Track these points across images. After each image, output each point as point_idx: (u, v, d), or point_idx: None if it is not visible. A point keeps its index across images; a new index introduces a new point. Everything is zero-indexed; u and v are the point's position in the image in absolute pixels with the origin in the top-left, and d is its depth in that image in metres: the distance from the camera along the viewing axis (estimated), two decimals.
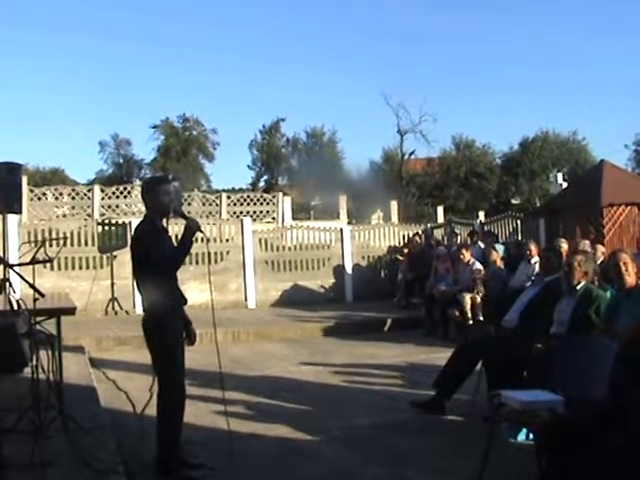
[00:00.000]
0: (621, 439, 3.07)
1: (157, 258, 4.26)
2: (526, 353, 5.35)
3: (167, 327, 4.34)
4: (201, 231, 4.50)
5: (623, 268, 5.11)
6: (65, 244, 11.46)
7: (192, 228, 4.41)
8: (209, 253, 11.37)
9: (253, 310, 13.23)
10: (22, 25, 60.51)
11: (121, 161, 41.71)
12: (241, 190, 34.34)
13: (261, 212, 23.82)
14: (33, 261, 5.54)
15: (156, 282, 4.28)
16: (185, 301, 4.50)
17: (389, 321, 11.46)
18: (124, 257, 12.37)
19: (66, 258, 12.39)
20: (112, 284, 12.25)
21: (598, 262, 8.21)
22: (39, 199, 22.14)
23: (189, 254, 4.69)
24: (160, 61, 63.29)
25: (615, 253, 5.40)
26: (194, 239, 4.49)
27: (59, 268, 12.33)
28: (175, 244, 4.52)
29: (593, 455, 3.11)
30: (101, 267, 12.57)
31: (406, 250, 14.18)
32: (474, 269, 10.53)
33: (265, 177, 41.84)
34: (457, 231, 15.28)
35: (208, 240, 5.08)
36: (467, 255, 10.80)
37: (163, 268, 4.30)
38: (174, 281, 4.46)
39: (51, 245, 9.27)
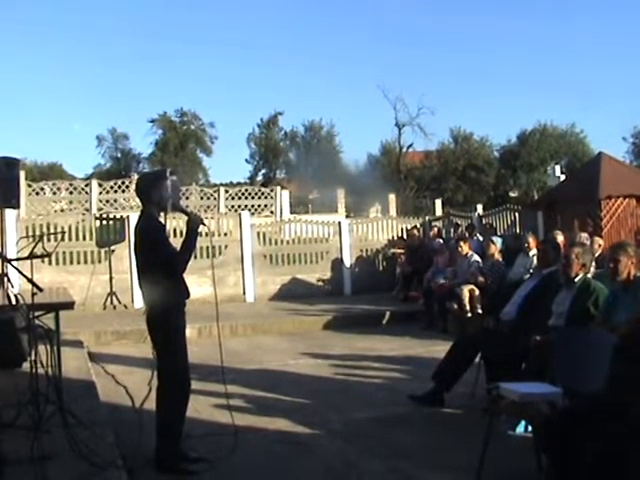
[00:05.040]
0: (620, 430, 3.08)
1: (165, 254, 4.27)
2: (524, 346, 5.36)
3: (172, 322, 4.35)
4: (204, 225, 4.49)
5: (612, 264, 5.14)
6: (63, 239, 11.45)
7: (196, 223, 4.41)
8: (208, 247, 11.45)
9: (251, 304, 13.23)
10: (21, 23, 60.30)
11: (119, 155, 41.53)
12: (239, 184, 34.25)
13: (259, 206, 23.84)
14: (31, 256, 5.54)
15: (162, 277, 4.28)
16: (188, 294, 4.51)
17: (387, 314, 11.47)
18: (122, 251, 12.38)
19: (64, 253, 12.38)
20: (110, 278, 12.24)
21: (596, 255, 8.23)
22: (37, 194, 22.16)
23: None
24: (157, 56, 63.05)
25: (611, 248, 5.40)
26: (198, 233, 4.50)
27: (57, 263, 12.32)
28: (171, 239, 4.51)
29: (593, 447, 3.12)
30: (99, 261, 12.56)
31: (399, 246, 14.27)
32: (472, 262, 10.54)
33: (263, 171, 41.71)
34: (459, 222, 15.25)
35: (212, 234, 5.09)
36: (465, 248, 10.81)
37: (172, 265, 4.31)
38: (179, 275, 4.46)
39: (49, 240, 9.24)
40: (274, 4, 60.09)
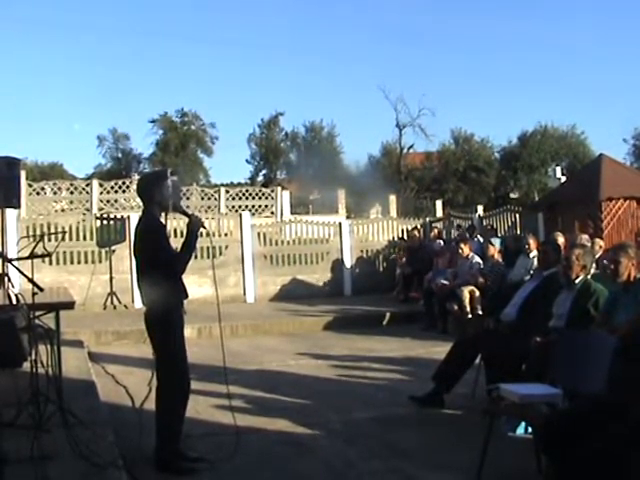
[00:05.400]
0: (620, 431, 3.08)
1: (164, 255, 4.28)
2: (525, 347, 5.36)
3: (170, 322, 4.35)
4: (204, 227, 4.51)
5: (612, 266, 5.15)
6: (64, 239, 11.46)
7: (196, 225, 4.43)
8: (208, 248, 11.45)
9: (252, 304, 13.23)
10: (21, 22, 60.33)
11: (120, 156, 41.48)
12: (240, 184, 34.25)
13: (260, 206, 23.85)
14: (32, 255, 5.54)
15: (161, 278, 4.29)
16: (186, 295, 4.51)
17: (388, 315, 11.47)
18: (123, 251, 12.38)
19: (65, 253, 12.39)
20: (111, 278, 12.24)
21: (596, 256, 8.22)
22: (38, 194, 22.17)
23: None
24: (158, 55, 63.01)
25: (612, 250, 5.41)
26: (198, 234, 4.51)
27: (58, 263, 12.33)
28: (172, 240, 4.52)
29: (594, 448, 3.12)
30: (100, 261, 12.56)
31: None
32: (474, 263, 10.54)
33: (264, 171, 41.65)
34: (461, 223, 15.24)
35: (213, 235, 5.10)
36: (466, 249, 10.81)
37: (172, 266, 4.32)
38: (178, 276, 4.46)
39: (50, 240, 9.22)
40: (274, 4, 60.13)
